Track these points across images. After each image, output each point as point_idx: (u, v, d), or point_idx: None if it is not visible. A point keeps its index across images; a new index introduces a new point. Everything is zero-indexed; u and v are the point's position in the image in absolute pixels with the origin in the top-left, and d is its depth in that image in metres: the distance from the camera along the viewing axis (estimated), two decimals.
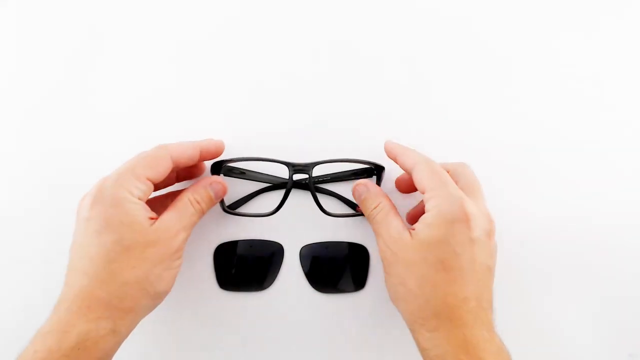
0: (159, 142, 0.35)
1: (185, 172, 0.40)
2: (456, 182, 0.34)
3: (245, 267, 0.41)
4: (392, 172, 0.42)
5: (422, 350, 0.31)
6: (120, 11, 0.46)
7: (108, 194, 0.31)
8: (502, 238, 0.42)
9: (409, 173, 0.36)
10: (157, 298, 0.33)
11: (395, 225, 0.33)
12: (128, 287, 0.30)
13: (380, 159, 0.40)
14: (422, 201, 0.39)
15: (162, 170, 0.33)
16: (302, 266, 0.41)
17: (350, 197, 0.42)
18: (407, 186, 0.41)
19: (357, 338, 0.41)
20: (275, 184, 0.42)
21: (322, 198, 0.41)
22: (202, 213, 0.36)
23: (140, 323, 0.33)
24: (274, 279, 0.41)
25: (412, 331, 0.32)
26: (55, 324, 0.29)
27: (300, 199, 0.42)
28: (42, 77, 0.45)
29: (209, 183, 0.36)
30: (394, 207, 0.36)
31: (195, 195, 0.35)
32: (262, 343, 0.41)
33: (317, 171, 0.38)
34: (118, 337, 0.31)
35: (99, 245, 0.30)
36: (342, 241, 0.42)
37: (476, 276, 0.31)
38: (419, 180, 0.34)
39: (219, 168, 0.39)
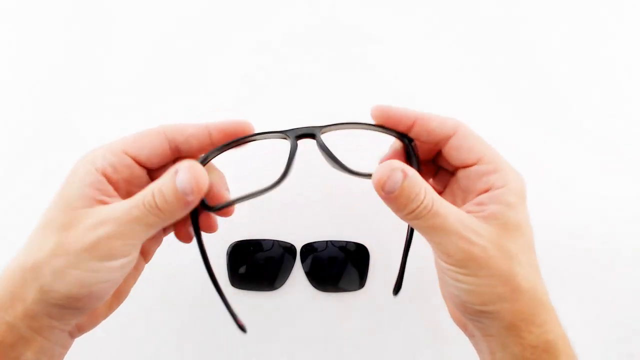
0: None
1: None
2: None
3: (257, 266, 0.41)
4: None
5: (528, 348, 0.25)
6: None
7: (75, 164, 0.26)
8: None
9: (435, 140, 0.28)
10: (61, 301, 0.23)
11: (462, 214, 0.25)
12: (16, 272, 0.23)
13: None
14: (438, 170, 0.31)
15: (147, 144, 0.26)
16: (302, 265, 0.41)
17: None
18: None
19: (366, 339, 0.41)
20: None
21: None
22: (159, 211, 0.23)
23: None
24: (285, 280, 0.41)
25: (512, 335, 0.25)
26: None
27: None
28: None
29: (174, 171, 0.24)
30: None
31: (155, 185, 0.24)
32: (268, 343, 0.41)
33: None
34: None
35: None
36: (342, 240, 0.41)
37: None
38: (468, 147, 0.27)
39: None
